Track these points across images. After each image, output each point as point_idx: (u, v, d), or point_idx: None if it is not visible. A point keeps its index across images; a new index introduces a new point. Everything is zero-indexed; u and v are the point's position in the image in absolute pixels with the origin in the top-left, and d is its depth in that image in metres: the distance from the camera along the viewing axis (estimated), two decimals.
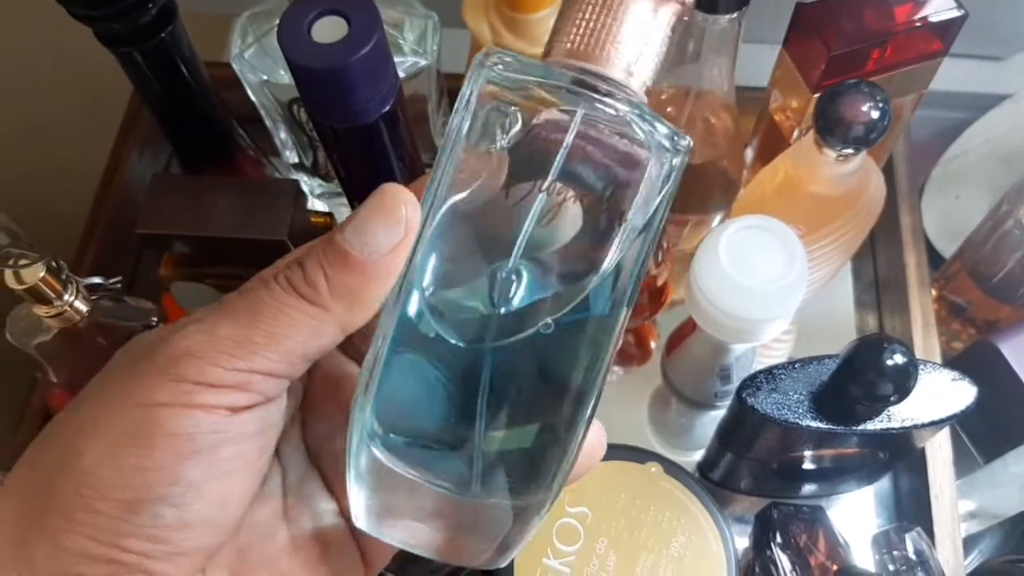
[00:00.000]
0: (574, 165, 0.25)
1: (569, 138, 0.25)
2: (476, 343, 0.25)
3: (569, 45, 0.25)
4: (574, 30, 0.25)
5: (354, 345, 0.28)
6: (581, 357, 0.25)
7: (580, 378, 0.25)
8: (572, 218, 0.25)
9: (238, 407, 0.24)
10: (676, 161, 0.26)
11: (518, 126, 0.25)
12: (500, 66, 0.25)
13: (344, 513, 0.28)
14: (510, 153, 0.25)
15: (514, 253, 0.25)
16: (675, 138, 0.25)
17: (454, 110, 0.25)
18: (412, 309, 0.25)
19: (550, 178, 0.25)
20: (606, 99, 0.25)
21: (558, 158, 0.25)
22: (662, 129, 0.25)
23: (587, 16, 0.25)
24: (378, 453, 0.26)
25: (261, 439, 0.25)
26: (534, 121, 0.25)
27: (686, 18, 0.26)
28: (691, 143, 0.26)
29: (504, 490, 0.26)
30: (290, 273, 0.25)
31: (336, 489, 0.28)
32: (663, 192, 0.26)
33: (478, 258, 0.25)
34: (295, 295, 0.24)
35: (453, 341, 0.25)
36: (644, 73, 0.25)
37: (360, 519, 0.26)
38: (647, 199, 0.25)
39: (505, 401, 0.26)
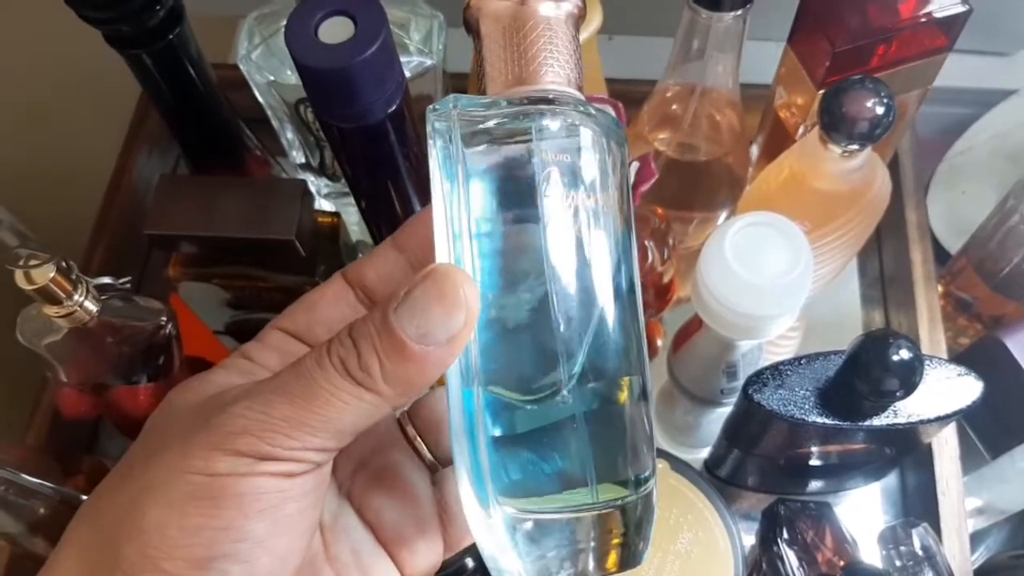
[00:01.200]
0: (554, 174, 0.26)
1: (536, 150, 0.26)
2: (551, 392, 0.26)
3: (503, 79, 0.27)
4: (500, 66, 0.27)
5: None
6: (629, 342, 0.26)
7: (635, 362, 0.27)
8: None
9: (296, 473, 0.25)
10: (626, 141, 0.28)
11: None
12: (468, 111, 0.26)
13: (381, 543, 0.29)
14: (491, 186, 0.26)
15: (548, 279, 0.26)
16: (617, 120, 0.27)
17: (433, 164, 0.26)
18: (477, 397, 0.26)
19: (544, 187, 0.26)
20: (553, 107, 0.26)
21: (536, 170, 0.26)
22: (606, 115, 0.27)
23: (502, 50, 0.27)
24: (513, 510, 0.26)
25: (316, 493, 0.26)
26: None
27: (583, 17, 0.28)
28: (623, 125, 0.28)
29: (620, 485, 0.26)
30: (344, 354, 0.25)
31: (370, 519, 0.29)
32: (621, 169, 0.27)
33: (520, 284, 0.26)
34: (350, 381, 0.24)
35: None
36: (573, 75, 0.27)
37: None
38: (614, 181, 0.27)
39: (595, 418, 0.26)
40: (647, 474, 0.27)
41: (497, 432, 0.26)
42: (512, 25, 0.27)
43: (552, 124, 0.26)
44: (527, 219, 0.26)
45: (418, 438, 0.30)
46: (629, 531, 0.27)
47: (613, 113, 0.48)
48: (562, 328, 0.26)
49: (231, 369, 0.28)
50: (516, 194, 0.26)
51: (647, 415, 0.27)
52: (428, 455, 0.30)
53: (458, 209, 0.26)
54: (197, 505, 0.23)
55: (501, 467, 0.26)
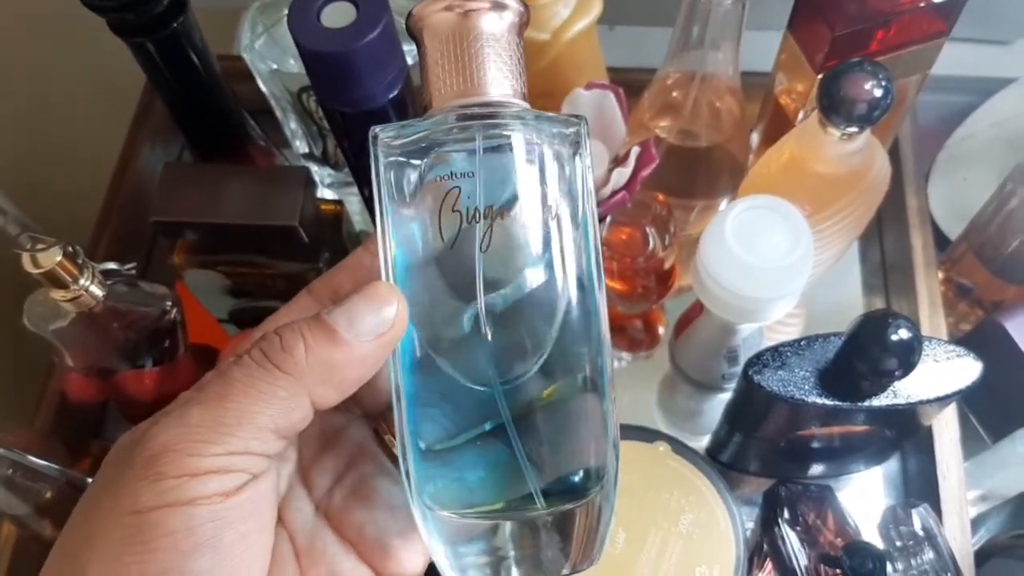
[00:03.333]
0: (492, 188, 0.26)
1: (478, 166, 0.26)
2: (483, 382, 0.26)
3: (442, 91, 0.27)
4: (441, 76, 0.27)
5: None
6: (581, 348, 0.27)
7: (588, 368, 0.27)
8: (508, 233, 0.26)
9: (227, 491, 0.24)
10: (579, 139, 0.27)
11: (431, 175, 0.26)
12: (390, 137, 0.26)
13: (363, 559, 0.28)
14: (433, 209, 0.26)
15: (479, 295, 0.26)
16: (567, 121, 0.27)
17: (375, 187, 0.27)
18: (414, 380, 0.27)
19: (475, 207, 0.26)
20: (493, 120, 0.26)
21: (477, 189, 0.26)
22: (552, 120, 0.27)
23: (445, 60, 0.27)
24: (445, 513, 0.26)
25: (259, 517, 0.25)
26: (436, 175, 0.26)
27: (526, 24, 0.28)
28: (584, 118, 0.28)
29: (567, 492, 0.27)
30: (265, 344, 0.25)
31: (350, 536, 0.28)
32: (578, 170, 0.27)
33: (451, 300, 0.26)
34: (268, 365, 0.24)
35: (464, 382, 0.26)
36: (517, 85, 0.27)
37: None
38: (566, 184, 0.27)
39: (530, 417, 0.26)
40: (578, 479, 0.26)
41: (422, 444, 0.26)
42: (455, 36, 0.27)
43: (493, 137, 0.26)
44: (463, 238, 0.26)
45: (396, 443, 0.29)
46: (544, 541, 0.27)
47: (614, 98, 0.49)
48: (494, 349, 0.26)
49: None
50: (452, 214, 0.26)
51: (600, 409, 0.27)
52: None
53: (392, 234, 0.26)
54: (132, 552, 0.23)
55: (426, 476, 0.26)
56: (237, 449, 0.24)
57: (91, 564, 0.23)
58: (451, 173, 0.26)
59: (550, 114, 0.27)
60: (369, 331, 0.25)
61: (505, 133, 0.26)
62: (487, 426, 0.26)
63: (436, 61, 0.27)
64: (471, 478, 0.27)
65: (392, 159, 0.26)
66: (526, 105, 0.27)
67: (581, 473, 0.27)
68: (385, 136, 0.27)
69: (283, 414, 0.24)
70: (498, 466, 0.26)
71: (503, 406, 0.26)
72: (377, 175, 0.27)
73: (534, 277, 0.26)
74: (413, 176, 0.26)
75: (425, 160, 0.26)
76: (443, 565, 0.27)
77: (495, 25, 0.27)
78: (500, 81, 0.27)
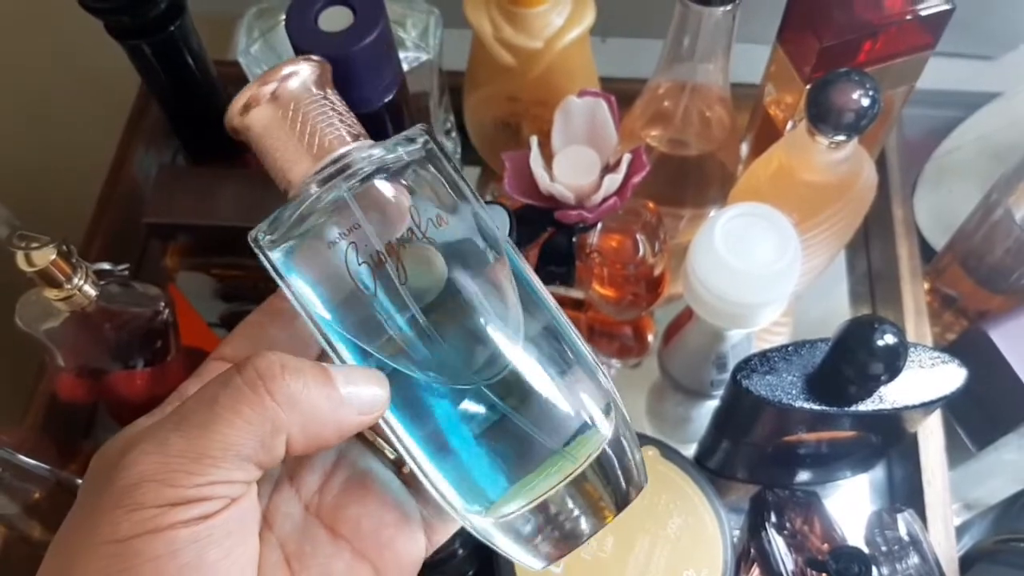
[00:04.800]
0: (382, 226, 0.27)
1: (360, 217, 0.27)
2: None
3: (293, 171, 0.28)
4: (286, 159, 0.28)
5: None
6: (533, 320, 0.28)
7: (548, 321, 0.29)
8: (418, 255, 0.27)
9: (208, 514, 0.23)
10: (429, 144, 0.29)
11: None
12: (267, 231, 0.28)
13: (359, 554, 0.28)
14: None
15: (418, 318, 0.27)
16: (411, 138, 0.29)
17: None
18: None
19: (376, 251, 0.27)
20: (350, 170, 0.27)
21: (369, 235, 0.27)
22: (403, 141, 0.29)
23: (281, 145, 0.28)
24: (494, 517, 0.28)
25: (242, 530, 0.25)
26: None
27: (329, 68, 0.30)
28: (427, 126, 0.29)
29: (588, 440, 0.28)
30: (263, 365, 0.24)
31: (345, 532, 0.28)
32: (444, 170, 0.29)
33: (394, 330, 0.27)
34: (261, 391, 0.24)
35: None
36: (348, 128, 0.29)
37: (537, 566, 0.28)
38: (441, 189, 0.29)
39: (521, 398, 0.27)
40: (590, 422, 0.28)
41: (442, 457, 0.28)
42: (273, 123, 0.28)
43: (358, 183, 0.27)
44: (381, 281, 0.27)
45: (378, 439, 0.30)
46: (603, 482, 0.28)
47: (606, 106, 0.49)
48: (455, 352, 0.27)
49: (163, 411, 0.27)
50: (360, 267, 0.27)
51: (582, 358, 0.29)
52: (391, 452, 0.30)
53: (309, 308, 0.27)
54: None
55: (461, 485, 0.28)
56: (219, 479, 0.23)
57: None
58: (340, 233, 0.27)
59: (394, 139, 0.29)
60: (357, 401, 0.25)
61: (366, 175, 0.27)
62: (479, 424, 0.27)
63: (273, 150, 0.28)
64: (501, 469, 0.28)
65: (282, 250, 0.27)
66: (369, 141, 0.29)
67: (591, 417, 0.28)
68: (264, 237, 0.27)
69: (266, 449, 0.24)
70: (517, 447, 0.27)
71: (493, 396, 0.27)
72: (278, 275, 0.27)
73: (458, 278, 0.27)
74: (308, 254, 0.27)
75: (310, 232, 0.27)
76: (523, 561, 0.28)
77: (301, 91, 0.28)
78: (336, 133, 0.28)
